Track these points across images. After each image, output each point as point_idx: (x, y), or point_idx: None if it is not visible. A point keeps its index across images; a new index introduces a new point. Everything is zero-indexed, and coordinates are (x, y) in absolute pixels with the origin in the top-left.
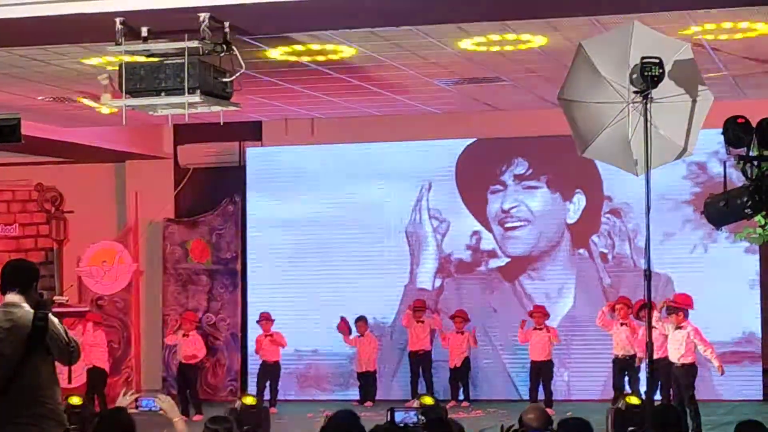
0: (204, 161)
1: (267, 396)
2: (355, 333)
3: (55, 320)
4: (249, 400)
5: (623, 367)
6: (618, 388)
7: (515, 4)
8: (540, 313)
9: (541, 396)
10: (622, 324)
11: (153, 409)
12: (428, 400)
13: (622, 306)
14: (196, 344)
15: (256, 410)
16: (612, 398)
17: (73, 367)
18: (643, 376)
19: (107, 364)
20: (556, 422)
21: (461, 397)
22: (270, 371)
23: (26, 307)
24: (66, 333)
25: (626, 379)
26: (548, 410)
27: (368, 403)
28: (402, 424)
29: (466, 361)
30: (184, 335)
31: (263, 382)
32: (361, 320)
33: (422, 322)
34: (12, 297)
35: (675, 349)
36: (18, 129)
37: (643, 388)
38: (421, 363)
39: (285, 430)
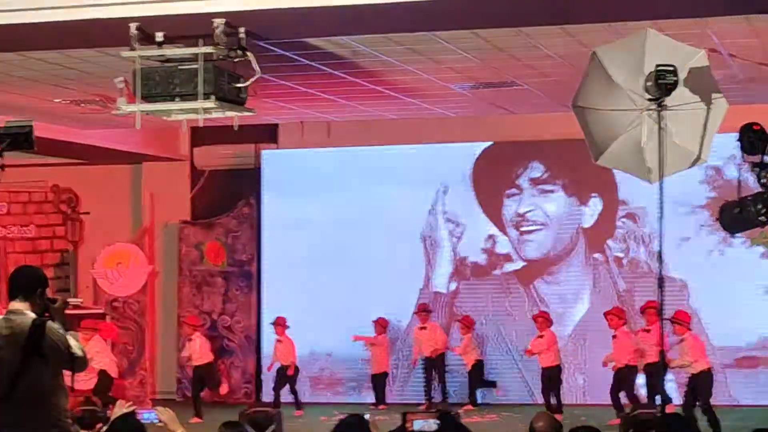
0: (220, 163)
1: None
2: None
3: (56, 327)
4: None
5: (621, 377)
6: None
7: (530, 11)
8: (543, 319)
9: (553, 401)
10: (614, 336)
11: (153, 421)
12: None
13: (612, 317)
14: (201, 350)
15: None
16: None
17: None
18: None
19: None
20: (566, 429)
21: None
22: (285, 375)
23: (29, 314)
24: (68, 340)
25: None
26: (557, 416)
27: (381, 407)
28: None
29: (476, 364)
30: (188, 340)
31: (279, 386)
32: (377, 321)
33: (425, 329)
34: (15, 304)
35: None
36: (31, 136)
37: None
38: (434, 366)
39: None
